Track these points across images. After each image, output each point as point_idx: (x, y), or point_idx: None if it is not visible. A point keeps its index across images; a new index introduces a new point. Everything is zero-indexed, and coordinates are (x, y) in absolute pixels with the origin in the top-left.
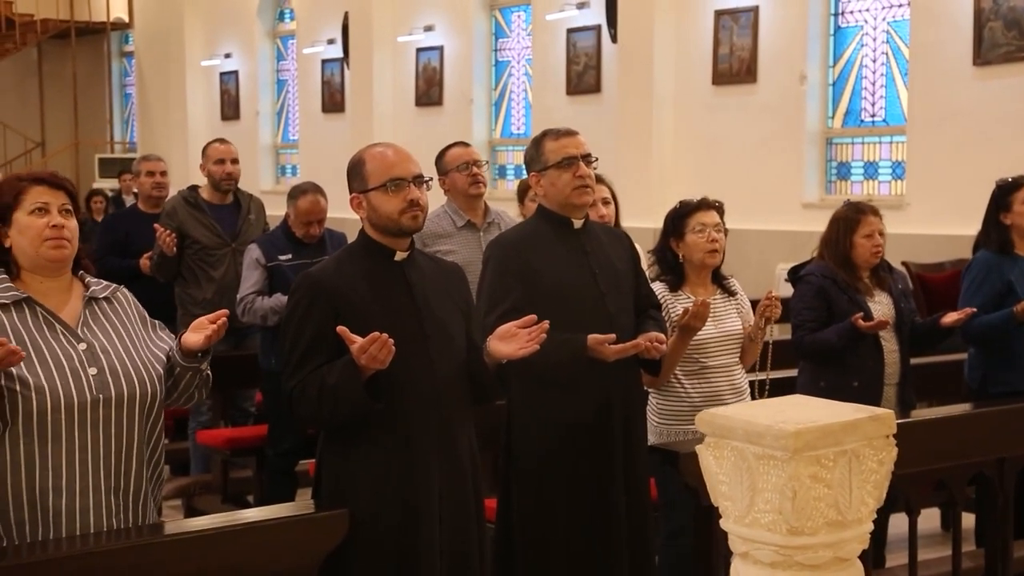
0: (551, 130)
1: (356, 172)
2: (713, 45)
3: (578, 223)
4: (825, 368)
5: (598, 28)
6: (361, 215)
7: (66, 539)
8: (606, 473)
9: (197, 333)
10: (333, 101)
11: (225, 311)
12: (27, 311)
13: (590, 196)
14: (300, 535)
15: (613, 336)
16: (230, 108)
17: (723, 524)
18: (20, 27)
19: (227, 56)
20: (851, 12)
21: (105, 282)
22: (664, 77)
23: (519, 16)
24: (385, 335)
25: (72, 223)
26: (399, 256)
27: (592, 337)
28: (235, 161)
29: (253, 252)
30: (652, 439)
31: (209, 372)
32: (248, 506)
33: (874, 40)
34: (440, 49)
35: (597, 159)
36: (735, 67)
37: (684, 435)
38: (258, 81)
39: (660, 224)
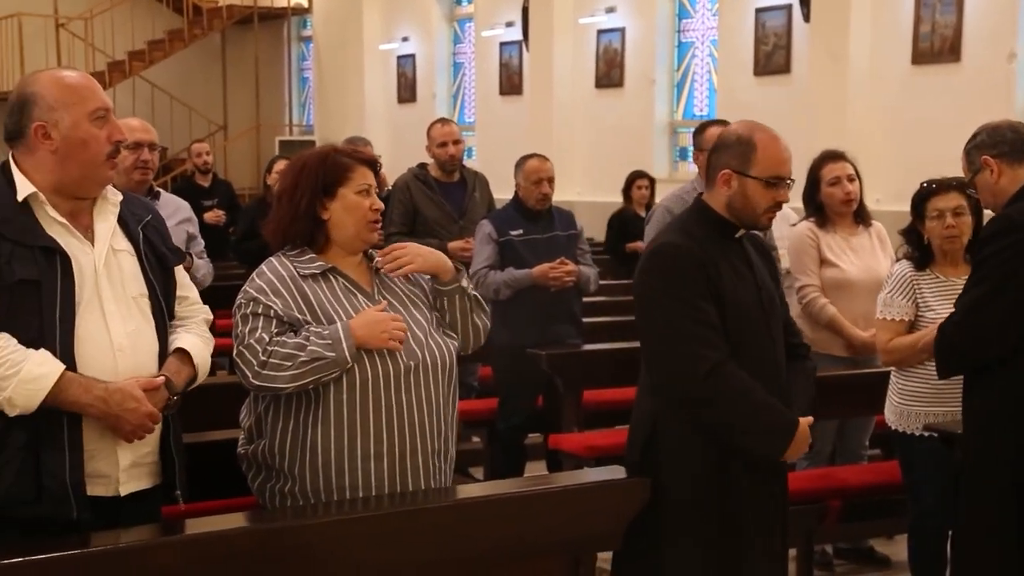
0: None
1: (741, 150)
2: (914, 22)
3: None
4: None
5: (788, 7)
6: (723, 191)
7: (391, 496)
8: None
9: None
10: (511, 83)
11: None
12: (333, 280)
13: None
14: (609, 500)
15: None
16: (406, 91)
17: None
18: (207, 13)
19: (404, 40)
20: None
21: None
22: (860, 57)
23: None
24: None
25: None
26: (739, 233)
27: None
28: (457, 142)
29: (485, 227)
30: (892, 419)
31: (475, 292)
32: (473, 478)
33: None
34: (622, 31)
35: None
36: (937, 45)
37: (926, 418)
38: (435, 64)
39: None
